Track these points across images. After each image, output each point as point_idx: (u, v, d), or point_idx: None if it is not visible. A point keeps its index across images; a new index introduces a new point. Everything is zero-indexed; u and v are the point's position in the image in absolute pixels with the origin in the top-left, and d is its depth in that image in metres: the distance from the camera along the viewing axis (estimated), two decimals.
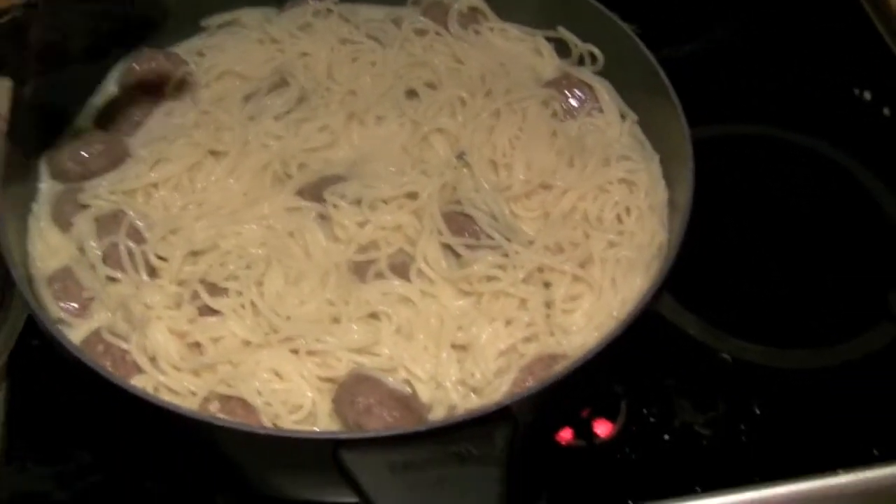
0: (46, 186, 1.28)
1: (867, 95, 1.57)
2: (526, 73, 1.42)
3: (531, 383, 1.11)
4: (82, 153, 1.27)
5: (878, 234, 1.38)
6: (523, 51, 1.45)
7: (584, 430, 1.20)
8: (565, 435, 1.20)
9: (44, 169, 1.29)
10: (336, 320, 1.15)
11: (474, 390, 1.13)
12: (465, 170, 1.29)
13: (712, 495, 1.15)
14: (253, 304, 1.15)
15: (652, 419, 1.21)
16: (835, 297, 1.32)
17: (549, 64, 1.44)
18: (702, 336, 1.26)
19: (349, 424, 1.08)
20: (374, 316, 1.16)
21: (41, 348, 1.26)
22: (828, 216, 1.40)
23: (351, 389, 1.09)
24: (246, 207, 1.24)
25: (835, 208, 1.41)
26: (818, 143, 1.46)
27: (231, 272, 1.17)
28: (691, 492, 1.15)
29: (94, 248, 1.20)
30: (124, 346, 1.13)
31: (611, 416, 1.21)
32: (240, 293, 1.16)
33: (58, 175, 1.28)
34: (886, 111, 1.55)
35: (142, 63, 1.37)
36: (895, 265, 1.35)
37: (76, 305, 1.18)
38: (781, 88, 1.55)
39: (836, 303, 1.31)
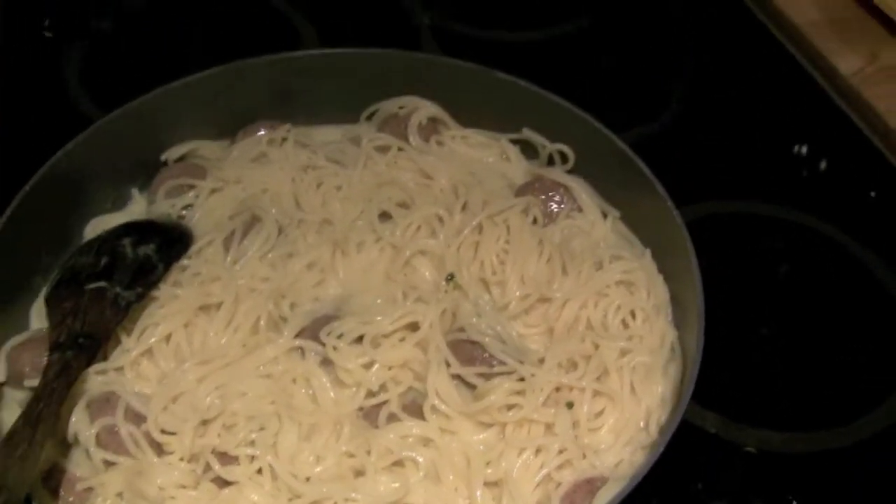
0: (10, 391, 1.20)
1: (803, 150, 1.57)
2: (497, 181, 1.39)
3: None
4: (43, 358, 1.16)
5: (877, 303, 1.37)
6: (490, 157, 1.42)
7: None
8: None
9: (1, 367, 1.20)
10: (360, 473, 1.11)
11: None
12: (456, 292, 1.25)
13: None
14: (271, 467, 1.09)
15: None
16: (849, 372, 1.30)
17: (519, 167, 1.41)
18: (723, 432, 1.24)
19: None
20: (398, 463, 1.11)
21: None
22: (827, 291, 1.39)
23: None
24: (245, 358, 1.18)
25: (830, 281, 1.40)
26: (797, 215, 1.45)
27: (243, 437, 1.11)
28: None
29: (88, 435, 1.12)
30: None
31: None
32: (253, 458, 1.10)
33: (15, 378, 1.19)
34: (823, 164, 1.54)
35: None
36: None
37: (72, 500, 1.11)
38: (741, 159, 1.54)
39: (851, 377, 1.30)
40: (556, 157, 1.39)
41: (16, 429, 1.04)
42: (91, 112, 1.53)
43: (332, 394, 1.16)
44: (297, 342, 1.19)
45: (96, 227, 1.35)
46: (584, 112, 1.36)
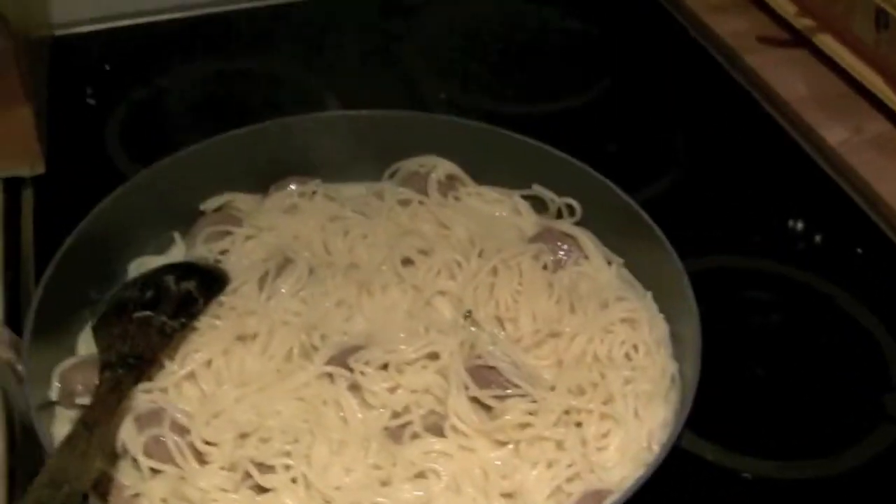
0: (61, 410, 1.29)
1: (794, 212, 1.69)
2: (510, 232, 1.50)
3: None
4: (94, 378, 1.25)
5: (864, 351, 1.48)
6: (503, 211, 1.54)
7: None
8: None
9: (55, 386, 1.29)
10: (385, 483, 1.20)
11: None
12: (473, 328, 1.36)
13: None
14: (304, 476, 1.18)
15: None
16: (837, 409, 1.41)
17: (529, 220, 1.52)
18: (720, 460, 1.32)
19: None
20: (421, 475, 1.20)
21: None
22: (816, 337, 1.51)
23: None
24: (279, 383, 1.28)
25: (819, 328, 1.52)
26: (788, 269, 1.58)
27: (278, 449, 1.20)
28: None
29: (136, 444, 1.21)
30: None
31: None
32: (288, 467, 1.19)
33: (67, 397, 1.28)
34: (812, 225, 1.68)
35: None
36: (884, 374, 1.45)
37: None
38: (738, 220, 1.67)
39: (839, 414, 1.40)
40: (565, 211, 1.51)
41: (75, 432, 1.14)
42: (131, 170, 1.63)
43: (359, 414, 1.26)
44: (327, 368, 1.29)
45: (139, 266, 1.46)
46: (589, 167, 1.48)
